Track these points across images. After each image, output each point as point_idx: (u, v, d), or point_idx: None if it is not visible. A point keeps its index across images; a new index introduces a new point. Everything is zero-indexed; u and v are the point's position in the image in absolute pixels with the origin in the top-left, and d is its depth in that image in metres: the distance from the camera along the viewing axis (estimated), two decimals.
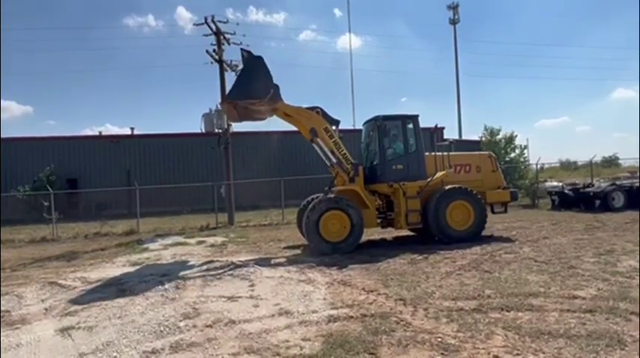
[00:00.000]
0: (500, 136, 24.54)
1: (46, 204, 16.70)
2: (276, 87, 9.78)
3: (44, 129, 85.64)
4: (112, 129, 65.21)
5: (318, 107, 10.23)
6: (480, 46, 77.96)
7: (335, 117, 10.41)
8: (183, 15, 73.97)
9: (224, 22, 18.35)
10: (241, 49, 10.23)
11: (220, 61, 18.12)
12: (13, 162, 25.19)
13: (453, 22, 43.60)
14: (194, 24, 18.28)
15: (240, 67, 10.64)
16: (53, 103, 70.56)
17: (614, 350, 3.69)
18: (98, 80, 74.13)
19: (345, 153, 10.19)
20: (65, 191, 22.35)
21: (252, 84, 9.48)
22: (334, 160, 10.19)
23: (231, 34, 18.48)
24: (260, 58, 9.68)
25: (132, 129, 31.60)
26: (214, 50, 18.13)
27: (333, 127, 10.39)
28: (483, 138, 25.52)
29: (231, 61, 18.63)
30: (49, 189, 17.35)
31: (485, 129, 25.10)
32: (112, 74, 75.53)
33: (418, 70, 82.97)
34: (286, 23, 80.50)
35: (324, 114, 10.25)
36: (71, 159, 26.68)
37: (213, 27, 17.99)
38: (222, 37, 18.22)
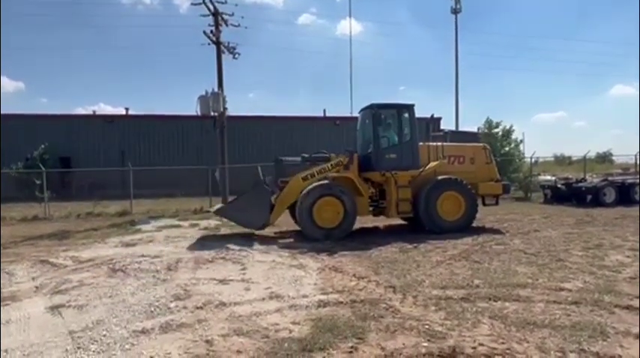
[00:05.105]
0: (498, 129, 24.49)
1: (38, 182, 16.55)
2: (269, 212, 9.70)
3: (36, 107, 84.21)
4: (105, 109, 64.37)
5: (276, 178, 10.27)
6: (480, 37, 77.42)
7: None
8: None
9: (222, 3, 18.03)
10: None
11: (218, 43, 17.84)
12: (5, 140, 24.85)
13: (455, 11, 43.13)
14: (191, 3, 17.88)
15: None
16: (45, 80, 69.49)
17: (596, 341, 3.76)
18: (91, 58, 72.96)
19: (329, 167, 10.16)
20: (58, 169, 22.12)
21: (247, 212, 9.61)
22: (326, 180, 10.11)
23: (229, 14, 18.19)
24: (266, 192, 9.69)
25: (126, 109, 31.32)
26: (212, 31, 17.84)
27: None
28: (480, 131, 25.48)
29: (228, 43, 18.39)
30: (42, 167, 17.16)
31: (487, 121, 24.93)
32: (105, 52, 74.38)
33: (418, 58, 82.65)
34: (285, 5, 79.37)
35: (281, 171, 10.48)
36: (65, 137, 26.36)
37: (211, 7, 17.68)
38: (220, 18, 17.92)
